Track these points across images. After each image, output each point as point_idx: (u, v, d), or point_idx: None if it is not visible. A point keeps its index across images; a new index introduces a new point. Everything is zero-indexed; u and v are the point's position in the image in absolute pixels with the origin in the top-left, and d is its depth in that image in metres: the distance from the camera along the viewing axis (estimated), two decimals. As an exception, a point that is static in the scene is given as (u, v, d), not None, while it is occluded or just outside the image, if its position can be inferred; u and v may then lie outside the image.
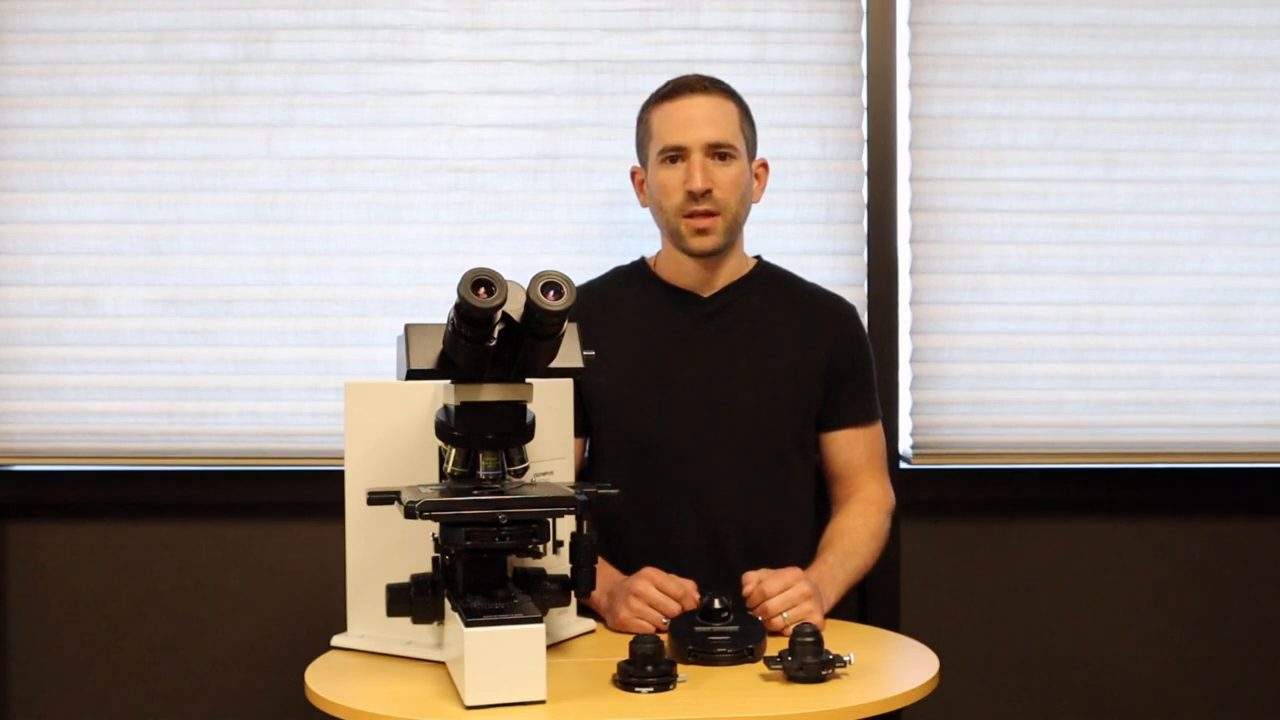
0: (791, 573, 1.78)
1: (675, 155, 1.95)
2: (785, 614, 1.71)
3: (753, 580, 1.75)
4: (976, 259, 2.42)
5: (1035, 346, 2.42)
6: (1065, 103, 2.42)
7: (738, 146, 1.96)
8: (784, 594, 1.73)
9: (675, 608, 1.74)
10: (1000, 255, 2.42)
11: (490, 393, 1.52)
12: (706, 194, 1.93)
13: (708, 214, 1.94)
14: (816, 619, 1.72)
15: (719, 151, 1.94)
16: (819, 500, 2.09)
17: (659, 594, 1.75)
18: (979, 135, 2.41)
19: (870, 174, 2.41)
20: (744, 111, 2.01)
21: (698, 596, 1.74)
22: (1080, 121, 2.42)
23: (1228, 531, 2.48)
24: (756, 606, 1.73)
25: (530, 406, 1.56)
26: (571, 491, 1.53)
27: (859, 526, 1.99)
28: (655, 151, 1.97)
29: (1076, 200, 2.42)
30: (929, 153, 2.41)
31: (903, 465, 2.42)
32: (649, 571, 1.80)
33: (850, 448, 2.06)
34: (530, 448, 1.64)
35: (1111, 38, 2.42)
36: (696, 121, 1.94)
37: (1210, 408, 2.43)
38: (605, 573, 1.83)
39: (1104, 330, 2.42)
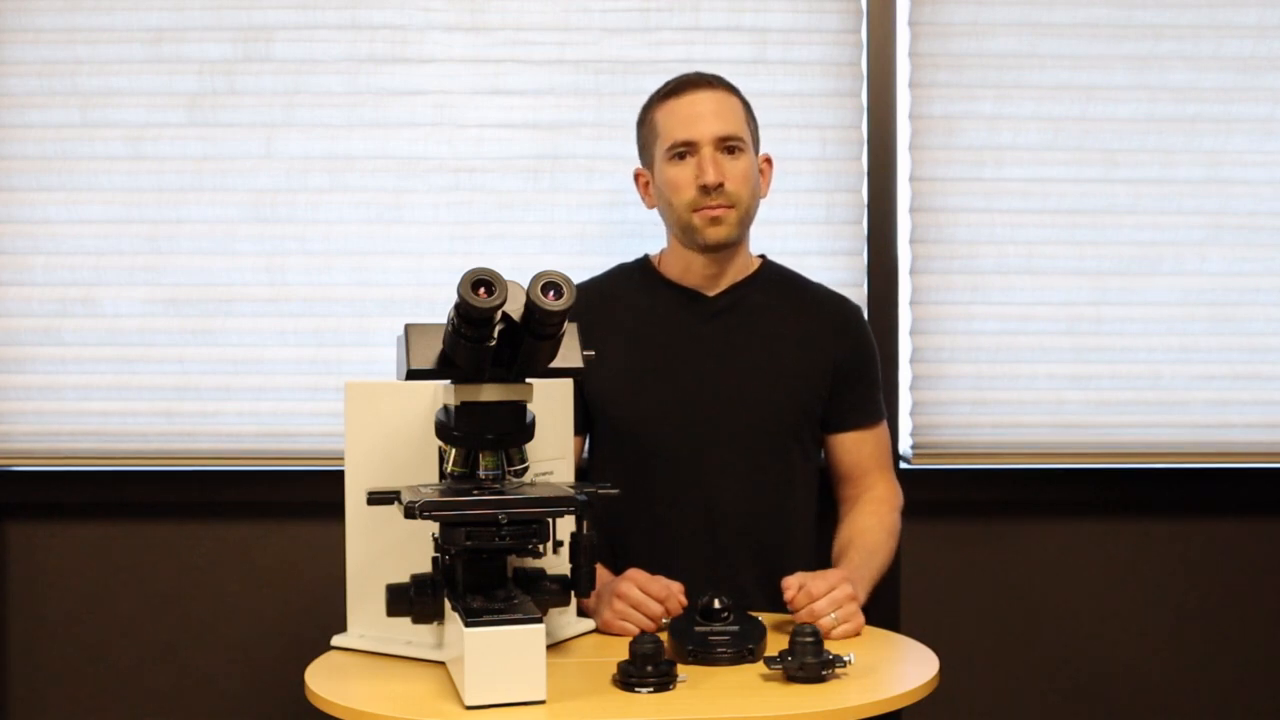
0: (835, 574, 1.77)
1: (684, 151, 1.94)
2: (833, 615, 1.70)
3: (794, 585, 1.72)
4: (976, 259, 2.42)
5: (1035, 346, 2.42)
6: (1065, 103, 2.42)
7: (745, 139, 1.96)
8: (830, 595, 1.72)
9: (658, 609, 1.74)
10: (1000, 255, 2.42)
11: (490, 393, 1.52)
12: (719, 188, 1.92)
13: (720, 205, 1.94)
14: (860, 620, 1.73)
15: (728, 145, 1.94)
16: (822, 501, 2.09)
17: (641, 595, 1.75)
18: (979, 135, 2.41)
19: (870, 174, 2.41)
20: (746, 106, 2.01)
21: (684, 599, 1.74)
22: (1080, 121, 2.42)
23: (1228, 531, 2.48)
24: (802, 610, 1.71)
25: (530, 406, 1.56)
26: (571, 491, 1.53)
27: (875, 526, 1.99)
28: (663, 149, 1.97)
29: (1076, 200, 2.42)
30: (929, 153, 2.41)
31: (903, 465, 2.42)
32: (632, 573, 1.80)
33: (859, 449, 2.06)
34: (530, 448, 1.64)
35: (1111, 38, 2.42)
36: (704, 116, 1.93)
37: (1210, 408, 2.43)
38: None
39: (1104, 330, 2.42)
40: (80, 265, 2.38)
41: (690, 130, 1.94)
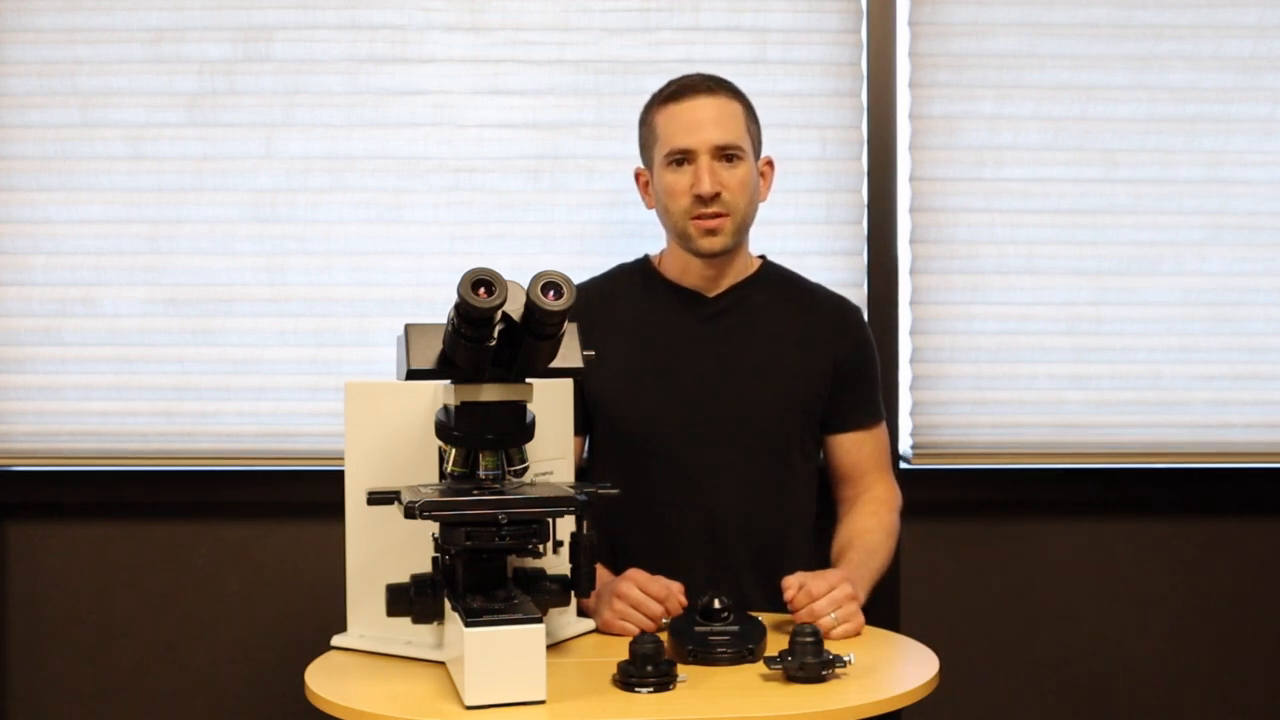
0: (835, 573, 1.78)
1: (682, 158, 1.94)
2: (833, 615, 1.70)
3: (794, 585, 1.72)
4: (976, 259, 2.42)
5: (1035, 346, 2.42)
6: (1065, 103, 2.42)
7: (744, 147, 1.95)
8: (830, 595, 1.72)
9: (658, 609, 1.74)
10: (1000, 255, 2.42)
11: (490, 393, 1.52)
12: (715, 197, 1.92)
13: (716, 215, 1.94)
14: (860, 619, 1.73)
15: (726, 153, 1.93)
16: (822, 501, 2.09)
17: (641, 595, 1.75)
18: (979, 135, 2.41)
19: (870, 174, 2.41)
20: (748, 109, 2.00)
21: (684, 599, 1.74)
22: (1080, 121, 2.42)
23: (1228, 531, 2.48)
24: (802, 609, 1.70)
25: (530, 406, 1.56)
26: (571, 491, 1.53)
27: (874, 526, 1.99)
28: (661, 154, 1.96)
29: (1076, 200, 2.42)
30: (929, 153, 2.41)
31: (903, 465, 2.42)
32: (633, 573, 1.80)
33: (858, 449, 2.06)
34: (530, 448, 1.64)
35: (1111, 38, 2.42)
36: (703, 123, 1.93)
37: (1210, 408, 2.43)
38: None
39: (1104, 330, 2.43)
40: (80, 265, 2.38)
41: (689, 138, 1.93)
